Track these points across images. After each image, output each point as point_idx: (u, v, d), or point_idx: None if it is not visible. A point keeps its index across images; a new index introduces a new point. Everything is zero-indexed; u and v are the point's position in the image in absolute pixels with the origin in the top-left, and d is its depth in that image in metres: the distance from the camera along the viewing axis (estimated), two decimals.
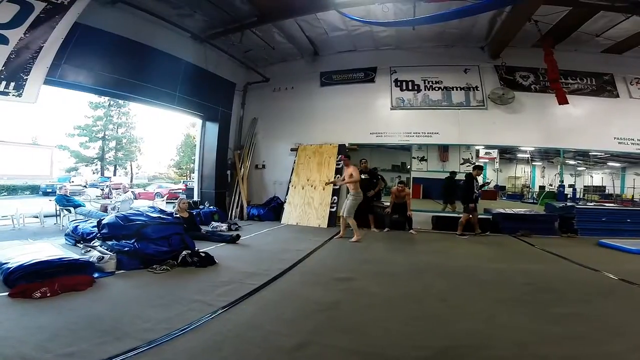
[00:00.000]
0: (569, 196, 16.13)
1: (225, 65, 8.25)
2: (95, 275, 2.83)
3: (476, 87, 7.91)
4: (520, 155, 19.30)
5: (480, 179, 6.93)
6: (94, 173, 28.78)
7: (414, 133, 7.96)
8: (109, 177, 28.07)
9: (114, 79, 5.91)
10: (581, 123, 7.56)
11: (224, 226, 5.59)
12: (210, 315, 2.26)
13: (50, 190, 18.04)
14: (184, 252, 3.33)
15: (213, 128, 8.17)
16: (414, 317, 2.39)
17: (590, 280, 3.52)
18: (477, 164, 7.93)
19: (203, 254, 3.46)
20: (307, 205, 7.24)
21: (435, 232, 6.93)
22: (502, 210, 7.46)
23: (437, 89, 8.10)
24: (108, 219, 3.55)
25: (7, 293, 2.39)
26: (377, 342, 1.98)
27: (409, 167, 9.98)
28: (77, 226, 4.14)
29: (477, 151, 15.00)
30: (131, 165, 32.61)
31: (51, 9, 4.48)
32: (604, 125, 7.50)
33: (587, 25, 6.66)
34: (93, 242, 3.44)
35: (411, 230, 6.51)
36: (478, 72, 7.97)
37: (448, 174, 9.51)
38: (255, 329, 2.11)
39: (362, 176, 6.68)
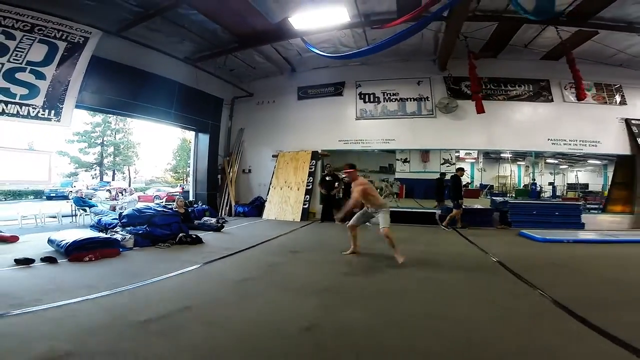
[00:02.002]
0: (548, 193, 17.69)
1: (213, 83, 9.66)
2: (120, 249, 4.27)
3: (427, 97, 9.21)
4: (504, 155, 20.77)
5: (463, 180, 8.15)
6: (93, 178, 30.04)
7: (374, 140, 9.39)
8: (108, 182, 29.36)
9: (120, 101, 7.37)
10: (519, 126, 8.76)
11: (213, 220, 7.02)
12: (194, 266, 3.72)
13: (54, 194, 19.46)
14: (181, 234, 4.81)
15: (204, 139, 9.65)
16: (325, 273, 3.85)
17: (473, 260, 4.55)
18: (458, 166, 9.18)
19: (194, 236, 4.94)
20: (285, 203, 8.72)
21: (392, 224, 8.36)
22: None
23: (394, 100, 9.44)
24: (127, 212, 5.02)
25: (67, 259, 3.83)
26: (298, 281, 3.42)
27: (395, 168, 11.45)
28: (100, 219, 5.61)
29: (458, 153, 16.47)
30: (129, 170, 33.97)
31: (71, 47, 5.96)
32: (539, 128, 8.68)
33: (517, 36, 7.77)
34: (115, 228, 4.88)
35: (367, 223, 7.94)
36: (429, 84, 9.23)
37: (438, 175, 10.71)
38: (221, 273, 3.57)
39: (327, 178, 8.20)
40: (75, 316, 2.32)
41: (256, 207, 9.22)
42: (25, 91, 5.20)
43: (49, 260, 3.72)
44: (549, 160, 19.69)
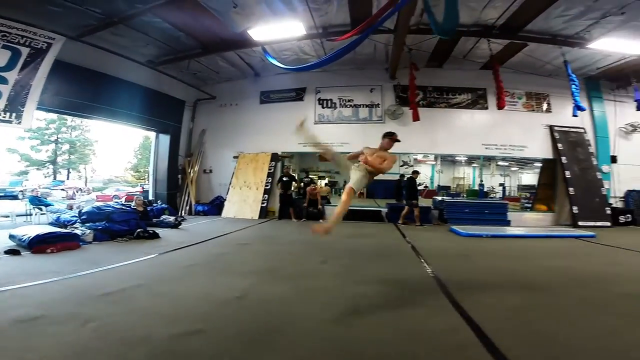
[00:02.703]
0: (498, 194, 19.34)
1: (176, 86, 10.07)
2: (80, 243, 4.74)
3: (378, 104, 10.18)
4: (459, 158, 22.43)
5: (420, 181, 9.22)
6: (45, 177, 28.81)
7: (330, 143, 10.18)
8: (62, 181, 28.30)
9: (81, 103, 7.67)
10: (458, 132, 9.89)
11: (172, 218, 7.49)
12: (150, 256, 4.31)
13: (2, 194, 18.67)
14: (138, 230, 5.33)
15: (165, 139, 10.05)
16: (267, 259, 4.56)
17: (395, 248, 5.43)
18: (414, 169, 10.07)
19: (152, 232, 5.48)
20: (243, 202, 9.34)
21: (343, 221, 9.23)
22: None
23: (349, 106, 10.34)
24: (86, 209, 5.44)
25: (30, 251, 4.27)
26: (241, 266, 4.11)
27: None
28: (59, 217, 5.97)
29: (416, 156, 17.65)
30: (85, 169, 32.86)
31: (34, 52, 6.27)
32: (475, 133, 9.86)
33: (458, 48, 8.79)
34: (74, 225, 5.31)
35: (320, 220, 8.79)
36: (380, 91, 10.21)
37: (398, 177, 11.71)
38: (173, 261, 4.19)
39: (284, 179, 8.92)
40: (43, 292, 2.87)
41: (216, 206, 9.76)
42: None
43: (12, 252, 4.15)
44: (500, 163, 21.65)
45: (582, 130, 9.81)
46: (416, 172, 9.24)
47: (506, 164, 21.79)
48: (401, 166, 17.63)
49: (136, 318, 2.39)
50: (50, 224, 5.93)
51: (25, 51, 6.12)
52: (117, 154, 53.09)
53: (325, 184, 20.93)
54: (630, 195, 10.02)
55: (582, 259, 4.78)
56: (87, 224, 5.20)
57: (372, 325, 2.36)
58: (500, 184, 21.47)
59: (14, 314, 2.39)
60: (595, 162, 9.52)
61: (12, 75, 5.89)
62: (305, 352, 1.96)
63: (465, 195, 16.73)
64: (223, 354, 1.90)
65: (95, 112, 8.16)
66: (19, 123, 5.85)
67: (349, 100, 10.41)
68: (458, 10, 4.71)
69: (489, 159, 16.41)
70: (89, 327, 2.20)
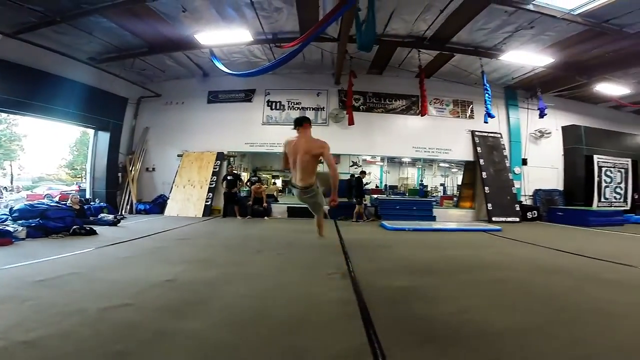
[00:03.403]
0: (440, 193, 20.95)
1: (119, 83, 10.00)
2: (13, 239, 4.85)
3: (323, 107, 11.01)
4: (404, 159, 23.97)
5: (365, 181, 9.95)
6: None
7: (277, 143, 10.78)
8: None
9: (14, 100, 7.47)
10: (393, 135, 11.02)
11: (111, 216, 7.58)
12: (86, 250, 4.59)
13: None
14: (75, 227, 5.49)
15: (104, 137, 9.94)
16: (203, 252, 5.03)
17: (324, 241, 5.83)
18: (362, 169, 11.06)
19: (88, 228, 5.66)
20: (187, 200, 9.59)
21: (289, 219, 9.89)
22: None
23: (297, 108, 11.02)
24: (18, 206, 5.49)
25: None
26: (176, 257, 4.53)
27: None
28: None
29: (365, 157, 18.72)
30: (11, 166, 30.08)
31: None
32: (407, 137, 11.07)
33: (395, 57, 9.78)
34: (5, 222, 5.34)
35: (265, 217, 9.33)
36: (326, 96, 11.06)
37: (349, 177, 12.31)
38: (109, 254, 4.52)
39: (229, 177, 9.32)
40: None
41: (159, 205, 9.88)
42: None
43: None
44: (441, 164, 23.65)
45: (498, 135, 11.39)
46: (363, 173, 10.18)
47: (447, 165, 23.84)
48: (351, 166, 18.63)
49: (71, 297, 2.78)
50: None
51: None
52: (50, 150, 48.68)
53: (274, 184, 21.44)
54: (537, 193, 11.82)
55: (482, 250, 5.58)
56: (19, 222, 5.27)
57: (284, 299, 2.95)
58: (441, 184, 23.52)
59: None
60: (508, 164, 11.10)
61: None
62: (221, 318, 2.50)
63: (407, 194, 18.14)
64: (148, 322, 2.36)
65: (30, 110, 7.94)
66: None
67: (297, 103, 11.07)
68: (374, 30, 5.55)
69: (432, 161, 17.93)
70: (27, 304, 2.57)
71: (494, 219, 10.06)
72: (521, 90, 11.78)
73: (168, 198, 9.95)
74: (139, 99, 11.09)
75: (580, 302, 2.93)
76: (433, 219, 10.15)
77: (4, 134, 28.03)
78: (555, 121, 12.16)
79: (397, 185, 24.14)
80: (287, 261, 4.46)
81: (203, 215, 9.29)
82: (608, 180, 12.46)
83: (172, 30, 8.10)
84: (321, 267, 4.09)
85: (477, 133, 11.22)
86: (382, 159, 23.03)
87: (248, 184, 11.22)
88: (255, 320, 2.42)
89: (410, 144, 11.13)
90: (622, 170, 12.83)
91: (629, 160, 12.93)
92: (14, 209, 5.50)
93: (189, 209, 9.44)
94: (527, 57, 8.85)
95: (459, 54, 9.28)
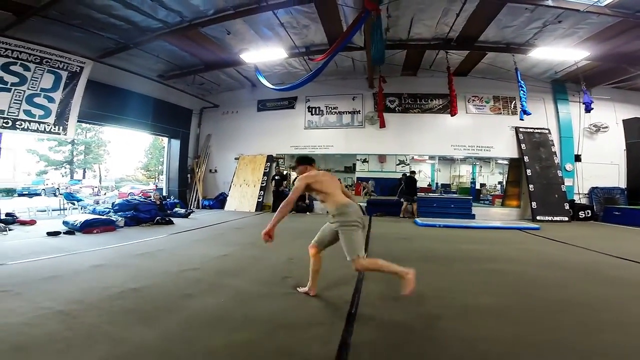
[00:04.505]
0: (496, 190, 20.49)
1: (184, 97, 12.02)
2: (116, 227, 6.66)
3: (359, 110, 11.90)
4: (456, 157, 23.67)
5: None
6: (63, 176, 31.43)
7: (318, 145, 11.96)
8: (79, 180, 30.87)
9: (106, 115, 9.69)
10: (429, 134, 11.45)
11: (183, 210, 9.39)
12: (166, 235, 6.19)
13: (26, 192, 21.13)
14: (157, 217, 7.24)
15: (176, 143, 12.03)
16: (251, 237, 6.39)
17: None
18: (411, 169, 11.76)
19: (168, 219, 7.39)
20: (243, 197, 11.23)
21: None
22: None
23: (334, 113, 12.09)
24: (118, 202, 7.42)
25: (82, 232, 6.19)
26: (233, 240, 5.92)
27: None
28: (94, 208, 7.96)
29: (412, 156, 19.26)
30: (99, 168, 35.48)
31: (71, 75, 8.20)
32: (445, 135, 11.39)
33: (426, 58, 10.25)
34: (109, 214, 7.25)
35: (307, 213, 10.58)
36: (361, 99, 11.90)
37: (401, 175, 12.71)
38: (184, 237, 6.05)
39: (276, 177, 10.73)
40: (102, 254, 4.74)
41: (220, 201, 11.69)
42: (41, 112, 7.51)
43: (69, 232, 6.08)
44: (499, 161, 22.86)
45: (546, 131, 11.24)
46: (413, 172, 10.90)
47: (505, 162, 22.93)
48: (397, 165, 19.10)
49: (159, 264, 4.21)
50: (91, 213, 7.90)
51: (64, 74, 8.07)
52: (128, 154, 55.93)
53: None
54: (593, 192, 11.37)
55: (504, 246, 5.84)
56: (119, 213, 7.14)
57: (303, 267, 4.10)
58: (499, 182, 22.67)
59: (91, 263, 4.23)
60: (557, 161, 10.92)
61: (57, 95, 7.85)
62: (256, 278, 3.70)
63: (458, 192, 18.10)
64: (208, 279, 3.63)
65: (117, 122, 10.18)
66: (65, 134, 7.85)
67: (334, 108, 12.12)
68: (383, 47, 6.36)
69: (489, 158, 17.61)
70: (133, 268, 4.01)
71: (538, 217, 10.02)
72: (571, 84, 11.40)
73: (227, 195, 11.70)
74: (201, 110, 13.07)
75: (562, 294, 3.25)
76: (472, 217, 10.45)
77: (93, 140, 33.30)
78: (615, 114, 11.54)
79: (449, 184, 23.91)
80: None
81: (256, 210, 10.85)
82: None
83: (221, 50, 9.64)
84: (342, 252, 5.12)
85: (521, 129, 11.19)
86: (432, 157, 23.11)
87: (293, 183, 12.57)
88: (280, 279, 3.63)
89: (449, 143, 11.47)
90: None
91: None
92: (115, 203, 7.44)
93: (244, 205, 11.07)
94: (560, 52, 8.79)
95: (490, 52, 9.44)
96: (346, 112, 12.03)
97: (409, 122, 11.54)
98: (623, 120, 11.65)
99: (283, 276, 3.72)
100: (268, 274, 3.81)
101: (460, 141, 11.47)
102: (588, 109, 9.82)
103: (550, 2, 6.90)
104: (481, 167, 23.19)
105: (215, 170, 12.91)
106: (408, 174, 10.80)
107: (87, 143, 32.55)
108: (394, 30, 8.67)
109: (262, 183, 11.39)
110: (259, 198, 11.14)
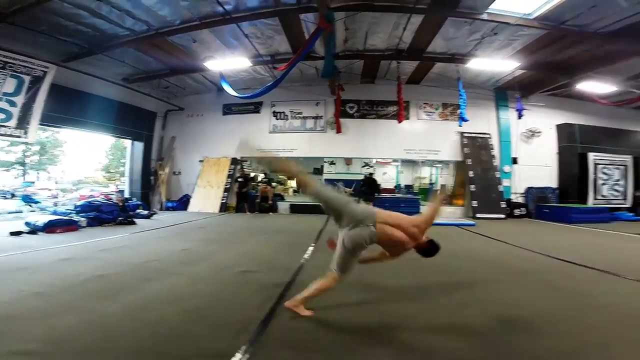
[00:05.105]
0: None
1: (149, 100, 12.23)
2: (78, 227, 6.97)
3: (321, 116, 12.67)
4: (419, 160, 24.97)
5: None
6: (15, 178, 29.94)
7: (282, 149, 12.61)
8: (32, 182, 29.54)
9: (68, 118, 9.80)
10: (384, 139, 12.43)
11: (145, 212, 9.70)
12: (129, 234, 6.61)
13: None
14: (120, 218, 7.60)
15: (139, 146, 12.25)
16: (212, 234, 6.93)
17: (309, 230, 8.06)
18: (370, 170, 12.57)
19: (130, 220, 7.76)
20: (206, 199, 11.66)
21: (291, 214, 11.73)
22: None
23: (298, 118, 12.79)
24: (80, 203, 7.70)
25: (44, 232, 6.48)
26: (191, 236, 6.45)
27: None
28: (55, 210, 8.16)
29: (376, 158, 20.18)
30: (54, 170, 34.05)
31: (34, 80, 8.35)
32: (399, 140, 12.43)
33: (382, 67, 11.16)
34: (71, 215, 7.52)
35: (270, 213, 11.20)
36: (324, 105, 12.67)
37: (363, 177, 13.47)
38: (146, 236, 6.51)
39: (239, 179, 11.28)
40: (68, 250, 5.15)
41: (184, 203, 12.04)
42: (3, 116, 7.66)
43: (32, 232, 6.36)
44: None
45: (487, 136, 12.56)
46: (371, 174, 11.90)
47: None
48: (362, 167, 20.11)
49: (122, 258, 4.69)
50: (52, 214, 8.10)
51: (27, 79, 8.21)
52: (87, 155, 53.70)
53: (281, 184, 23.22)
54: (529, 191, 12.79)
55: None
56: (81, 214, 7.43)
57: (253, 259, 4.77)
58: None
59: (58, 257, 4.65)
60: (496, 163, 12.24)
61: (19, 99, 8.00)
62: (211, 267, 4.33)
63: (419, 193, 19.41)
64: (168, 268, 4.18)
65: (80, 125, 10.31)
66: (26, 137, 8.00)
67: (299, 113, 12.83)
68: (332, 63, 7.17)
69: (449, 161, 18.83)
70: (98, 261, 4.49)
71: (478, 215, 11.23)
72: (512, 92, 12.74)
73: (191, 197, 12.06)
74: (166, 112, 13.34)
75: (458, 278, 3.91)
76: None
77: (49, 140, 31.95)
78: (549, 120, 13.08)
79: (412, 185, 25.28)
80: (271, 241, 6.26)
81: (220, 211, 11.31)
82: (605, 177, 13.16)
83: (187, 56, 10.07)
84: (296, 245, 5.83)
85: (465, 134, 12.42)
86: (396, 160, 24.38)
87: (258, 184, 13.15)
88: (231, 267, 4.25)
89: (402, 147, 12.56)
90: (622, 167, 13.46)
91: (630, 157, 13.51)
92: (77, 205, 7.71)
93: (208, 206, 11.50)
94: (496, 63, 9.85)
95: (437, 62, 10.46)
96: (310, 117, 12.77)
97: (366, 127, 12.47)
98: (556, 125, 13.21)
99: (235, 265, 4.36)
100: (221, 264, 4.43)
101: (412, 145, 12.56)
102: (520, 115, 11.17)
103: (485, 15, 7.70)
104: (442, 169, 24.77)
105: (179, 172, 13.21)
106: (368, 175, 11.69)
107: (42, 143, 31.20)
108: (351, 41, 9.52)
109: (226, 185, 11.86)
110: (222, 199, 11.61)
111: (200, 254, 5.02)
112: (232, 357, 2.01)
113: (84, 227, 7.15)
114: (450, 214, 12.29)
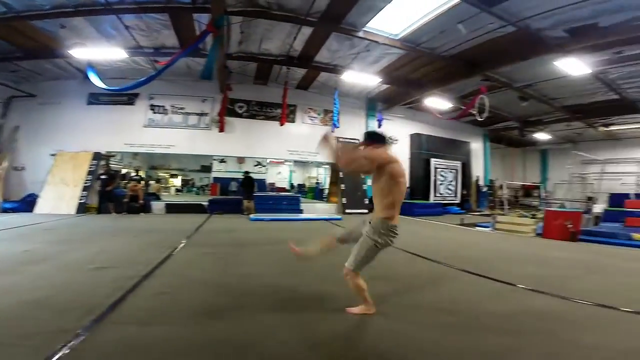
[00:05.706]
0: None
1: None
2: None
3: (207, 113, 12.53)
4: (311, 160, 26.13)
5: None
6: None
7: (158, 145, 12.01)
8: None
9: None
10: (271, 139, 13.06)
11: None
12: None
13: None
14: None
15: None
16: (63, 236, 6.33)
17: (186, 227, 7.70)
18: (247, 170, 12.51)
19: None
20: (60, 199, 10.20)
21: (166, 214, 11.27)
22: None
23: (180, 113, 12.37)
24: None
25: None
26: (34, 240, 5.78)
27: None
28: None
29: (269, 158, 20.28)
30: None
31: None
32: (283, 141, 13.25)
33: (275, 71, 11.62)
34: None
35: (141, 213, 10.55)
36: (211, 102, 12.51)
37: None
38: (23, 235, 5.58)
39: (102, 176, 10.30)
40: None
41: (28, 203, 10.21)
42: None
43: None
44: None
45: (357, 141, 14.35)
46: (248, 172, 12.14)
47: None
48: (255, 166, 20.17)
49: None
50: None
51: None
52: None
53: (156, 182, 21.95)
54: None
55: (302, 233, 7.45)
56: None
57: (109, 258, 4.68)
58: None
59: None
60: None
61: None
62: (58, 265, 4.12)
63: (308, 192, 20.79)
64: (4, 268, 3.88)
65: None
66: None
67: (181, 108, 12.42)
68: (211, 66, 7.41)
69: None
70: None
71: (347, 211, 12.81)
72: (379, 102, 14.94)
73: (38, 196, 10.35)
74: (8, 98, 11.17)
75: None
76: (300, 211, 12.44)
77: None
78: (405, 129, 15.81)
79: (304, 184, 26.46)
80: (137, 240, 6.11)
81: (77, 213, 10.01)
82: (442, 179, 16.54)
83: (50, 41, 8.83)
84: (164, 243, 5.80)
85: (340, 139, 13.93)
86: (287, 160, 25.26)
87: (128, 182, 12.11)
88: (83, 265, 4.14)
89: (286, 148, 13.45)
90: (454, 171, 17.13)
91: (459, 163, 17.30)
92: None
93: (62, 207, 10.05)
94: (365, 76, 11.32)
95: (322, 71, 11.52)
96: (194, 113, 12.46)
97: (254, 127, 12.90)
98: (409, 134, 15.97)
99: (87, 263, 4.25)
100: (71, 263, 4.27)
101: (295, 147, 13.60)
102: (379, 125, 13.28)
103: (361, 33, 8.76)
104: (329, 169, 26.38)
105: (23, 168, 11.20)
106: (245, 174, 12.00)
107: None
108: (246, 44, 9.80)
109: (85, 183, 10.61)
110: (80, 199, 10.34)
111: (46, 254, 4.69)
112: (74, 332, 2.21)
113: None
114: (326, 210, 13.66)
